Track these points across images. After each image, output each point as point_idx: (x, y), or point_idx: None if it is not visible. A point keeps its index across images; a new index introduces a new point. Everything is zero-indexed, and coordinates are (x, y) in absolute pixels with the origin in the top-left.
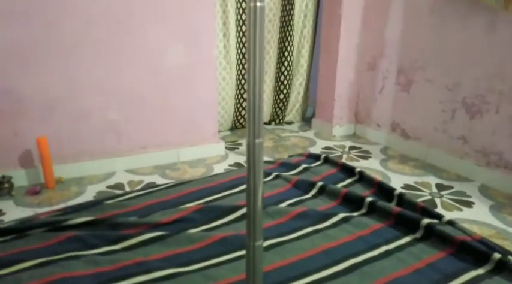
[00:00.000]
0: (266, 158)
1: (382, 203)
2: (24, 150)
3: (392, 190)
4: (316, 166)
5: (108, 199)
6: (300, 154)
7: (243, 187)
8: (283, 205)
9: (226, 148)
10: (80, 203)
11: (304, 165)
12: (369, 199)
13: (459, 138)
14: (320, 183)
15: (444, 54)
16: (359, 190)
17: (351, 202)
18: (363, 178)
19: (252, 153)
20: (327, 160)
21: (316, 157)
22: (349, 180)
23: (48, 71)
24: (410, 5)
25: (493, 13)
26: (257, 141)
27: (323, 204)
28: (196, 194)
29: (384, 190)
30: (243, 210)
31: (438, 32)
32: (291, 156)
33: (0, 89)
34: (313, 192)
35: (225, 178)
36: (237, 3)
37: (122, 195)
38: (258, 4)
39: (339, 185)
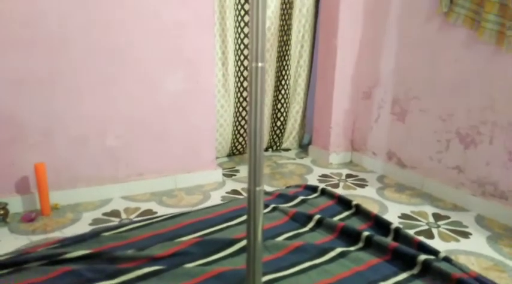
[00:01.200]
0: (266, 187)
1: (378, 238)
2: (21, 176)
3: (389, 224)
4: (313, 198)
5: (105, 230)
6: (297, 185)
7: (241, 219)
8: (280, 238)
9: (224, 175)
10: (77, 235)
11: (301, 197)
12: (366, 233)
13: (454, 167)
14: (317, 216)
15: (437, 85)
16: (356, 223)
17: (348, 236)
18: (359, 211)
19: (252, 201)
20: (324, 192)
21: (313, 189)
22: (346, 213)
23: (48, 97)
24: (404, 37)
25: (486, 46)
26: (258, 188)
27: (320, 238)
28: (195, 226)
29: (380, 224)
30: (241, 243)
31: (431, 63)
32: (288, 187)
33: (1, 117)
34: (310, 225)
35: (223, 210)
36: (235, 34)
37: (119, 227)
38: (260, 65)
39: (336, 218)
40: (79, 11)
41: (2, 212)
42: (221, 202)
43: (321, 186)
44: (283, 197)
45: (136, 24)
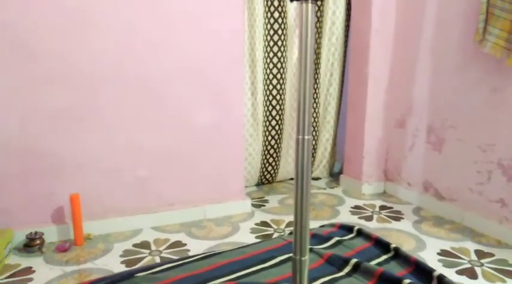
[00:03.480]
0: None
1: None
2: (57, 207)
3: (431, 271)
4: (349, 239)
5: (139, 271)
6: (332, 225)
7: (275, 261)
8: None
9: (253, 205)
10: (112, 275)
11: (336, 238)
12: (407, 281)
13: (497, 201)
14: (354, 260)
15: (475, 113)
16: (395, 268)
17: (388, 282)
18: (398, 255)
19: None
20: (360, 233)
21: (349, 229)
22: (384, 257)
23: (85, 132)
24: (437, 64)
25: None
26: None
27: None
28: (228, 267)
29: (421, 270)
30: None
31: (467, 91)
32: (322, 226)
33: (41, 150)
34: (347, 269)
35: (256, 251)
36: (264, 64)
37: (153, 267)
38: (306, 137)
39: (374, 262)
40: (113, 48)
41: (38, 242)
42: (250, 234)
43: (357, 226)
44: (317, 237)
45: (168, 58)
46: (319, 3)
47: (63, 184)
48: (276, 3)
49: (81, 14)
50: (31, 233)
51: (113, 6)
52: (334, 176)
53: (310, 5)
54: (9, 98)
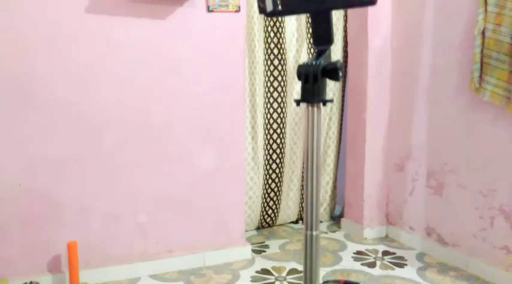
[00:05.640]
0: (296, 265)
1: None
2: (54, 255)
3: None
4: None
5: None
6: (336, 281)
7: None
8: None
9: (253, 250)
10: None
11: None
12: None
13: (502, 248)
14: None
15: (475, 159)
16: None
17: None
18: None
19: None
20: None
21: None
22: None
23: (83, 176)
24: (434, 109)
25: None
26: None
27: None
28: None
29: None
30: None
31: (466, 137)
32: (326, 282)
33: (41, 197)
34: None
35: None
36: (264, 109)
37: None
38: (314, 233)
39: None
40: (115, 97)
41: None
42: (251, 282)
43: (361, 282)
44: None
45: (170, 106)
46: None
47: (61, 232)
48: (275, 51)
49: (88, 65)
50: (26, 283)
51: (118, 58)
52: (335, 219)
53: (316, 108)
54: (12, 146)
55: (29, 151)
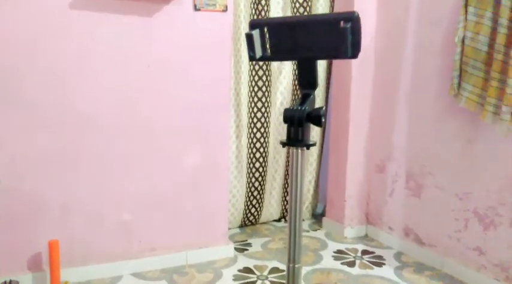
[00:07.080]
0: (278, 264)
1: None
2: (34, 253)
3: None
4: None
5: None
6: None
7: None
8: None
9: (235, 249)
10: None
11: None
12: None
13: (475, 249)
14: None
15: (452, 162)
16: None
17: None
18: None
19: None
20: None
21: None
22: None
23: (67, 174)
24: (414, 113)
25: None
26: None
27: None
28: None
29: None
30: None
31: (444, 140)
32: None
33: (23, 194)
34: None
35: None
36: (248, 108)
37: None
38: (296, 266)
39: None
40: (101, 96)
41: None
42: (233, 281)
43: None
44: None
45: (155, 105)
46: None
47: (43, 230)
48: None
49: (73, 62)
50: (5, 282)
51: (103, 56)
52: (317, 217)
53: (300, 151)
54: None
55: (10, 149)
